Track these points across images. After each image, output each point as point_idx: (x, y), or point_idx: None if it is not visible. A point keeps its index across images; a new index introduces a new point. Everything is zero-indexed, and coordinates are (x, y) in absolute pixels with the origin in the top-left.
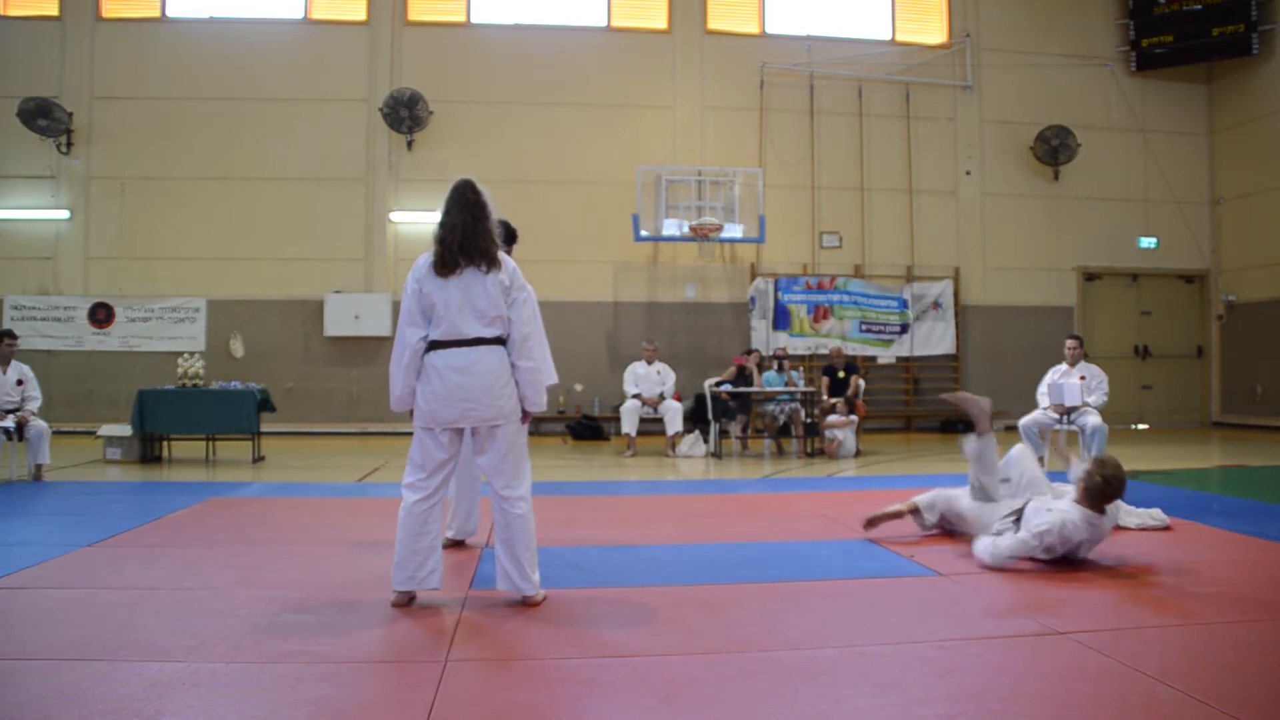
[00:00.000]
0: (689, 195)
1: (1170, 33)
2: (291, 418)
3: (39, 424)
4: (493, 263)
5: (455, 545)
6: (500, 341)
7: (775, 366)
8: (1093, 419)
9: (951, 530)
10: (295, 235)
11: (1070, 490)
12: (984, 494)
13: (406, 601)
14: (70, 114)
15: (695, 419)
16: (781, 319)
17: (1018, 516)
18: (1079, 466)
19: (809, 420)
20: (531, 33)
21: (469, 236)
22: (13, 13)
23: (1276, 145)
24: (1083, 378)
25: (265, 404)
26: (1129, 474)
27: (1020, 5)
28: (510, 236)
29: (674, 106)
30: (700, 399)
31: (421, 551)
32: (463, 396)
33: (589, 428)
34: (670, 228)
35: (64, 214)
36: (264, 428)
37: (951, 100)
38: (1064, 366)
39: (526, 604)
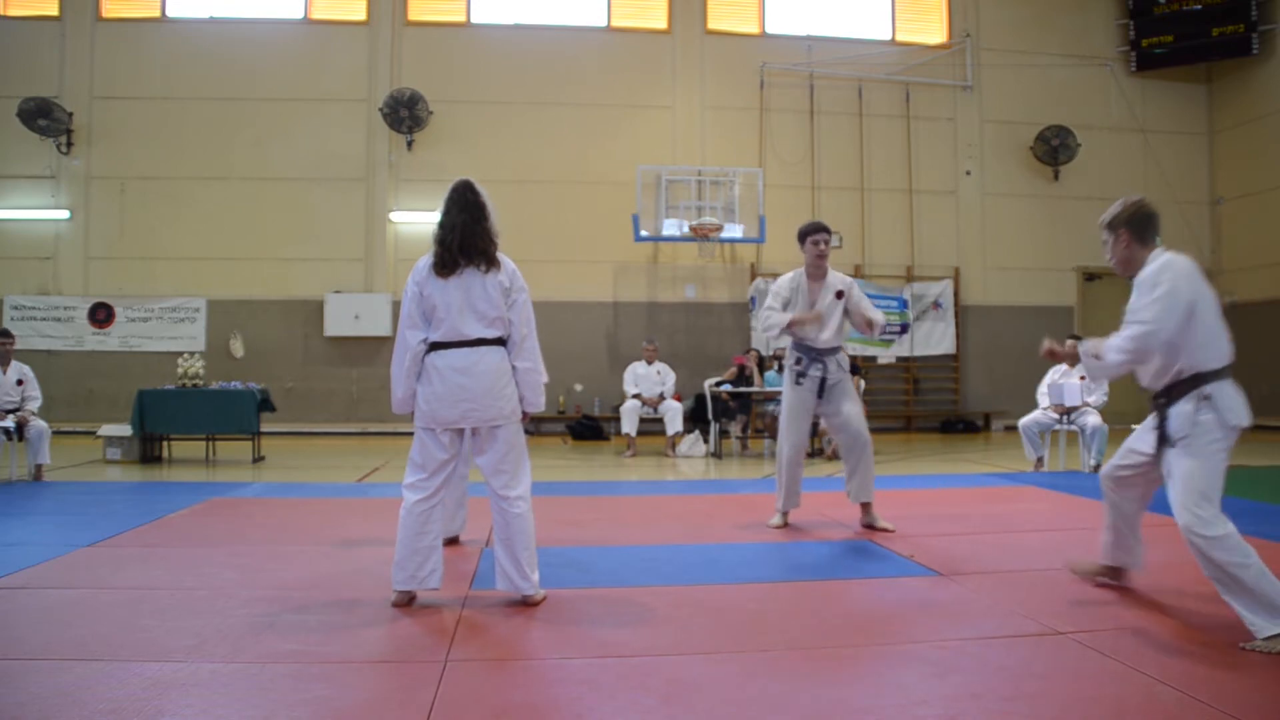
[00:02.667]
0: (689, 195)
1: (1170, 33)
2: (291, 418)
3: (39, 424)
4: (491, 263)
5: (448, 543)
6: (501, 342)
7: (775, 366)
8: (1093, 419)
9: None
10: (295, 235)
11: None
12: None
13: (407, 601)
14: (70, 114)
15: (695, 419)
16: None
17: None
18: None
19: None
20: (531, 33)
21: (468, 237)
22: (13, 13)
23: (1276, 145)
24: (1083, 378)
25: (265, 404)
26: None
27: (1020, 5)
28: None
29: (674, 106)
30: (700, 399)
31: (422, 551)
32: (463, 397)
33: (589, 428)
34: (670, 228)
35: (64, 214)
36: (264, 428)
37: (951, 100)
38: (1064, 366)
39: (526, 603)
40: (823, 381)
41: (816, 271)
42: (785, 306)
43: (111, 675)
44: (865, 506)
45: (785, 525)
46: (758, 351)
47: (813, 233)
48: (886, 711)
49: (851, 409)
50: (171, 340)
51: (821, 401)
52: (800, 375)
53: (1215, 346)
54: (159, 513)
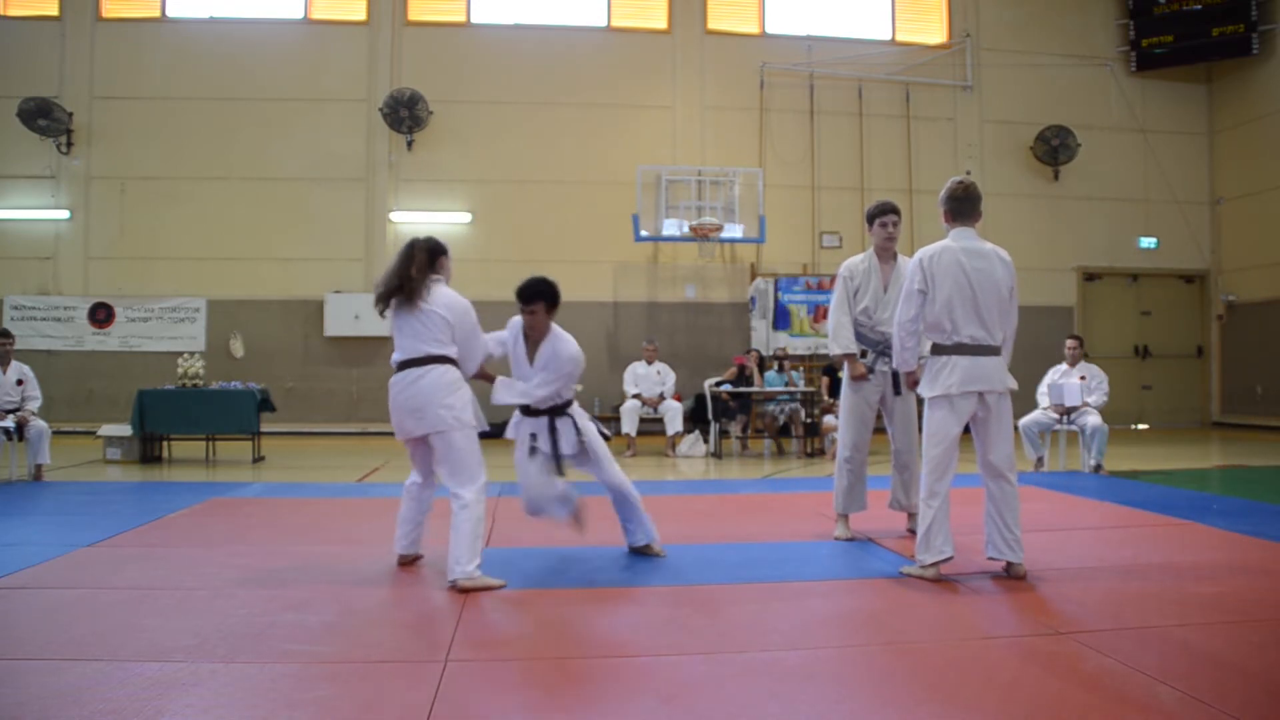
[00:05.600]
0: (689, 195)
1: (1170, 33)
2: (291, 418)
3: (39, 424)
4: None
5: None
6: (444, 360)
7: (775, 366)
8: (1093, 419)
9: None
10: (295, 235)
11: None
12: None
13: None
14: (70, 114)
15: (695, 419)
16: (781, 319)
17: None
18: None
19: (809, 420)
20: (531, 33)
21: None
22: (13, 13)
23: (1276, 145)
24: (1083, 378)
25: (265, 404)
26: (1129, 474)
27: (1020, 5)
28: (554, 300)
29: (674, 106)
30: (700, 399)
31: (408, 522)
32: (409, 409)
33: None
34: (670, 228)
35: (64, 214)
36: (264, 428)
37: (951, 100)
38: (1064, 366)
39: (455, 587)
40: (895, 376)
41: (885, 254)
42: (856, 294)
43: (111, 675)
44: (912, 516)
45: (850, 536)
46: (758, 352)
47: (881, 214)
48: (887, 711)
49: (914, 411)
50: (171, 340)
51: (893, 399)
52: (869, 370)
53: None
54: (159, 513)
